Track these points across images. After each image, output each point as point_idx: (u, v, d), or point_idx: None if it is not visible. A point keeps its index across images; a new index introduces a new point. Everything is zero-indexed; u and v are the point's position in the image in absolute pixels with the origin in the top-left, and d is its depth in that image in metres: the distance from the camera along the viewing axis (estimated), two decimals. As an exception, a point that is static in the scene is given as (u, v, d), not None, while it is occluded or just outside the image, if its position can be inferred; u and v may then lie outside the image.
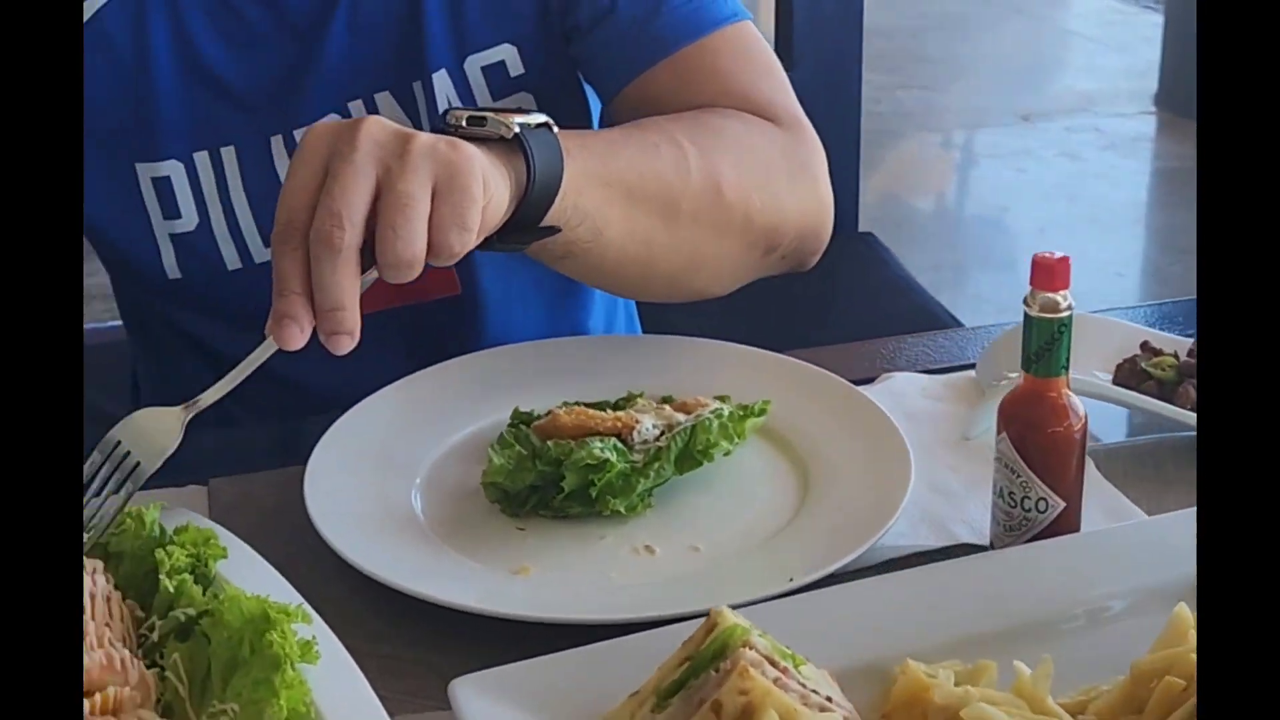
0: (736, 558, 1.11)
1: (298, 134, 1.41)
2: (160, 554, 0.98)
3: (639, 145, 1.24)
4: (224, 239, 1.43)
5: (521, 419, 1.27)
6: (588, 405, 1.28)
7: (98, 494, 1.03)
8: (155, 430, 1.04)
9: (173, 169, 1.41)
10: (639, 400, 1.28)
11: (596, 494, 1.13)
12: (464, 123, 1.07)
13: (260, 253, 1.44)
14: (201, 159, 1.39)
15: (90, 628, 0.92)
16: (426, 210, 0.98)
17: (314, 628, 0.93)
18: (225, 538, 1.03)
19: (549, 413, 1.22)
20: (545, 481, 1.15)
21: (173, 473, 1.28)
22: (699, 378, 1.32)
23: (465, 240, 1.00)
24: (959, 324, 2.09)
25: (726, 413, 1.20)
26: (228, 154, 1.39)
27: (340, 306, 0.95)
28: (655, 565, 1.11)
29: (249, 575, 1.01)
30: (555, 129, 1.12)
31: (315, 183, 0.99)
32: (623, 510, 1.14)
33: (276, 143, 1.42)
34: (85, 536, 1.02)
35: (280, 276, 0.98)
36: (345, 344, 0.99)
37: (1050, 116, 5.77)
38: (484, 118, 1.07)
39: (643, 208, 1.20)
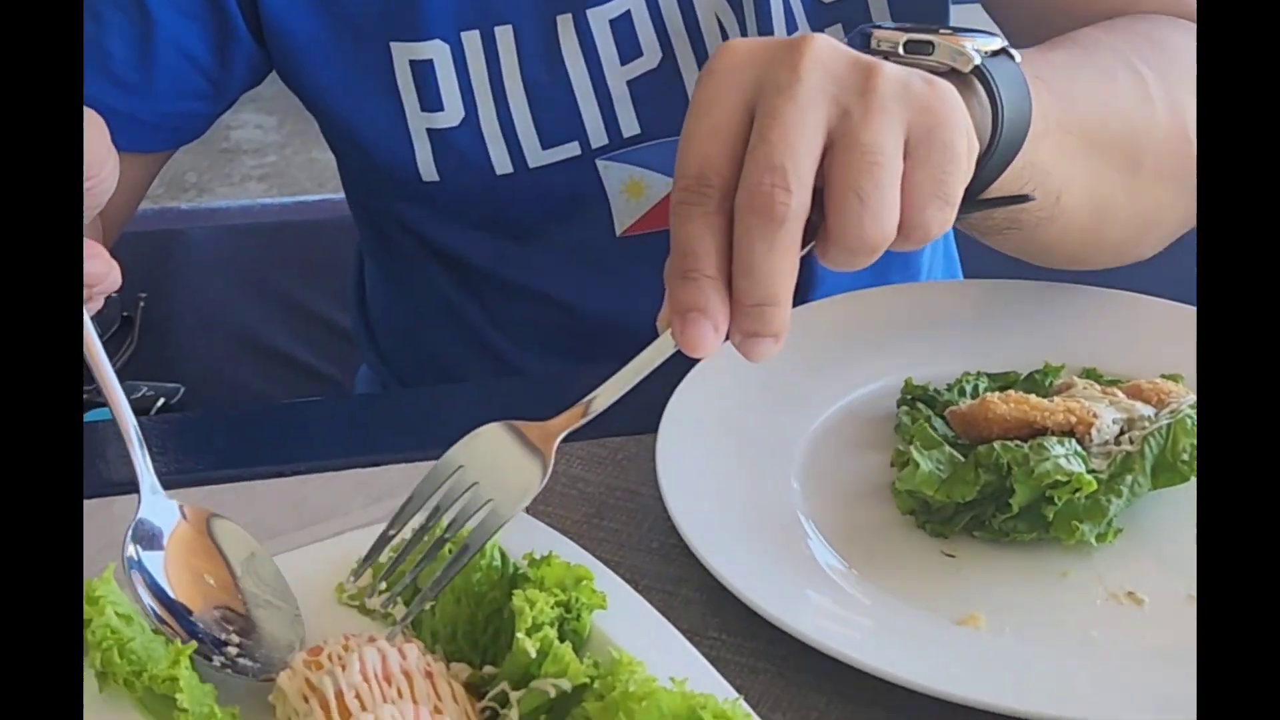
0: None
1: (591, 15, 1.14)
2: (519, 601, 0.71)
3: (1094, 73, 0.94)
4: (493, 137, 1.17)
5: (918, 395, 0.98)
6: (990, 378, 1.00)
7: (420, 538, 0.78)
8: (512, 462, 0.76)
9: (435, 51, 1.15)
10: (1063, 374, 0.99)
11: (1055, 515, 0.85)
12: (900, 48, 0.78)
13: (536, 155, 1.18)
14: (471, 40, 1.16)
15: (413, 716, 0.67)
16: (899, 172, 0.69)
17: (753, 730, 0.66)
18: (603, 577, 0.76)
19: (976, 397, 0.94)
20: (984, 495, 0.87)
21: (426, 430, 1.04)
22: (1124, 346, 1.03)
23: (945, 218, 0.71)
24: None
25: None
26: (503, 35, 1.17)
27: (774, 300, 0.68)
28: (1146, 621, 0.83)
29: (632, 629, 0.74)
30: (1017, 57, 0.81)
31: (738, 122, 0.70)
32: (1093, 540, 0.85)
33: (564, 24, 1.15)
34: (395, 610, 0.78)
35: (686, 250, 0.69)
36: (769, 350, 0.70)
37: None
38: (929, 41, 0.77)
39: (1104, 161, 0.93)
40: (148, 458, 0.80)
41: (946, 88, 0.71)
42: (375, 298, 1.47)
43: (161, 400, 1.78)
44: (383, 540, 0.78)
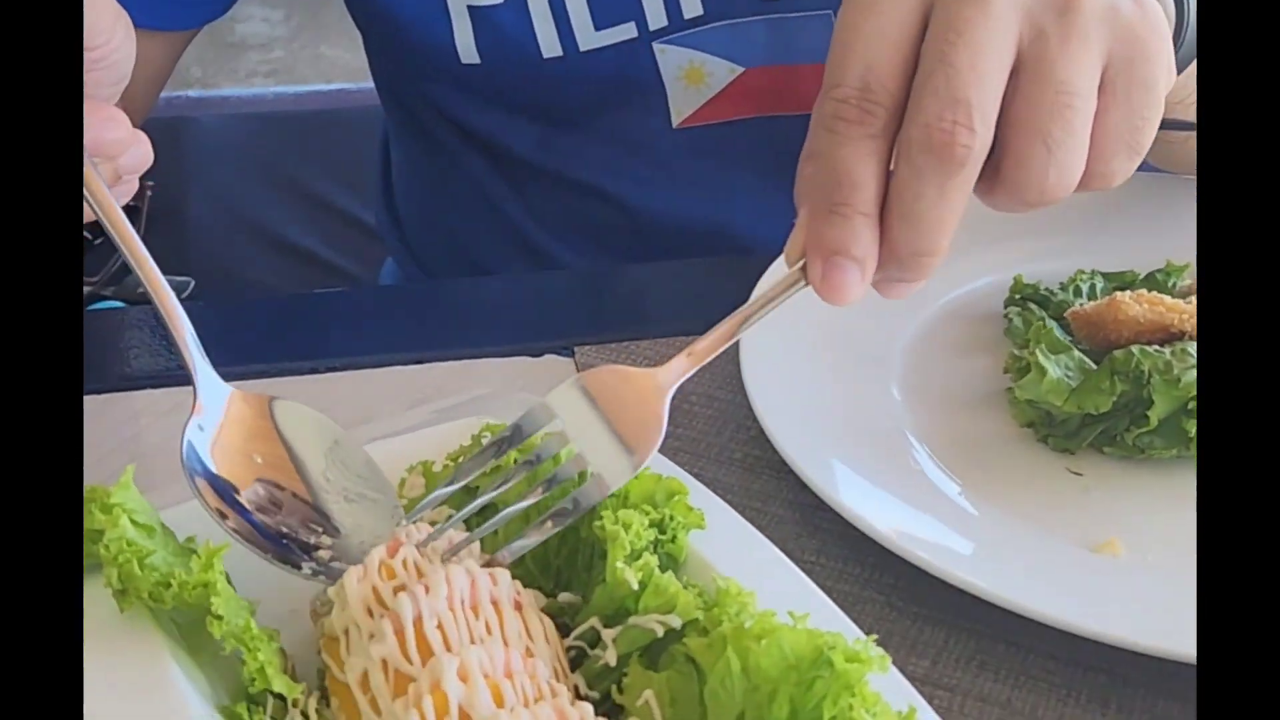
0: None
1: None
2: (612, 524, 0.61)
3: None
4: (541, 16, 1.07)
5: (1029, 295, 0.88)
6: (1105, 277, 0.90)
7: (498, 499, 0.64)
8: (619, 419, 0.62)
9: (479, -83, 1.04)
10: (1187, 275, 0.89)
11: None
12: None
13: (588, 36, 1.08)
14: None
15: (502, 661, 0.57)
16: (1092, 114, 0.58)
17: (890, 677, 0.56)
18: (695, 491, 0.65)
19: (1093, 298, 0.84)
20: (1118, 407, 0.76)
21: (516, 330, 0.93)
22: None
23: (1130, 169, 0.60)
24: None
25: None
26: None
27: (934, 251, 0.59)
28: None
29: (733, 553, 0.64)
30: None
31: (913, 25, 0.58)
32: (1242, 459, 0.75)
33: None
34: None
35: (841, 179, 0.57)
36: (905, 295, 0.62)
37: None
38: None
39: None
40: (195, 338, 0.66)
41: (1156, 11, 0.59)
42: (403, 188, 1.36)
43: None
44: (454, 483, 0.64)
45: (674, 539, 0.63)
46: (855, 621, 0.69)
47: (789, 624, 0.56)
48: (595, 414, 0.62)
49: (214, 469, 0.63)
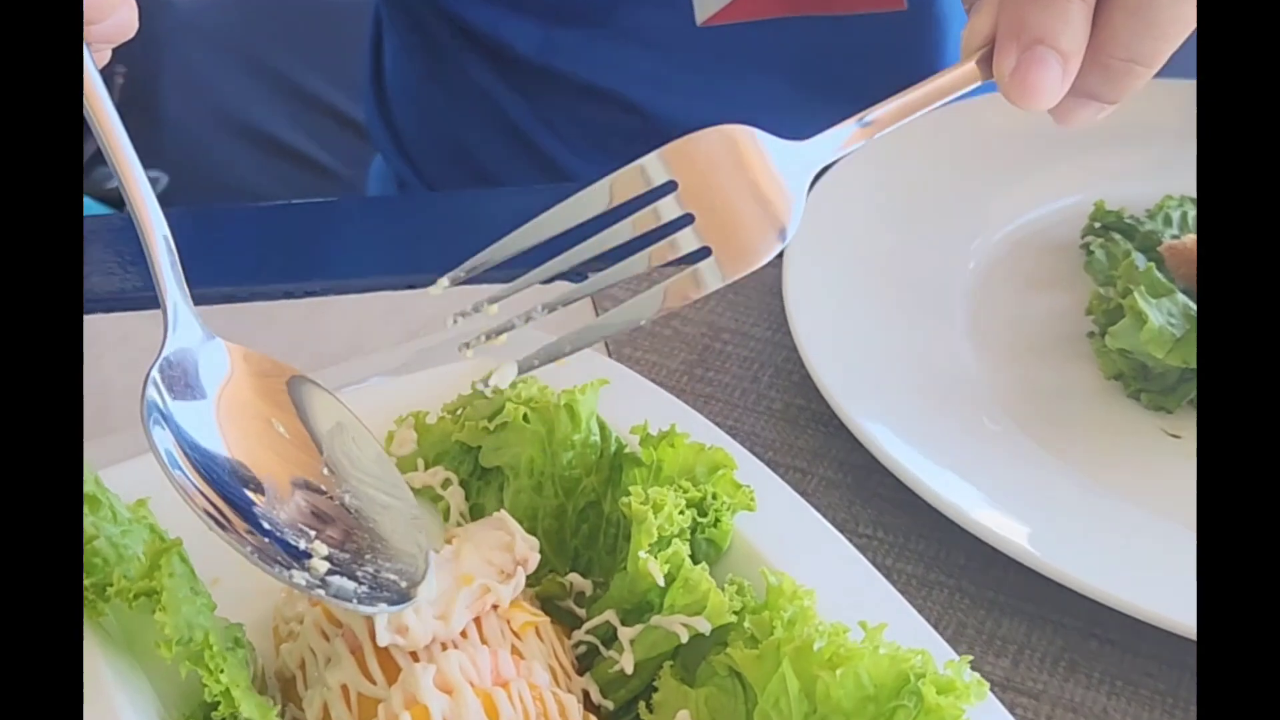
0: None
1: None
2: (639, 504, 0.50)
3: None
4: None
5: (1111, 223, 0.77)
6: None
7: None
8: (746, 194, 0.51)
9: None
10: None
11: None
12: None
13: None
14: None
15: (489, 666, 0.47)
16: None
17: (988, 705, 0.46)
18: (743, 462, 0.55)
19: (1185, 228, 0.73)
20: (1227, 359, 0.65)
21: (470, 241, 0.82)
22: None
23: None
24: None
25: None
26: None
27: (1153, 61, 0.50)
28: None
29: (787, 538, 0.53)
30: None
31: None
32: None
33: None
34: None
35: None
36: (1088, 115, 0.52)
37: None
38: None
39: None
40: (178, 265, 0.51)
41: None
42: (398, 89, 1.23)
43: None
44: (522, 239, 0.54)
45: (717, 522, 0.52)
46: (922, 609, 0.59)
47: (862, 642, 0.45)
48: (725, 180, 0.51)
49: (184, 427, 0.49)
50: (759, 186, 0.51)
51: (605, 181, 0.52)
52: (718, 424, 0.67)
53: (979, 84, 0.51)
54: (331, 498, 0.50)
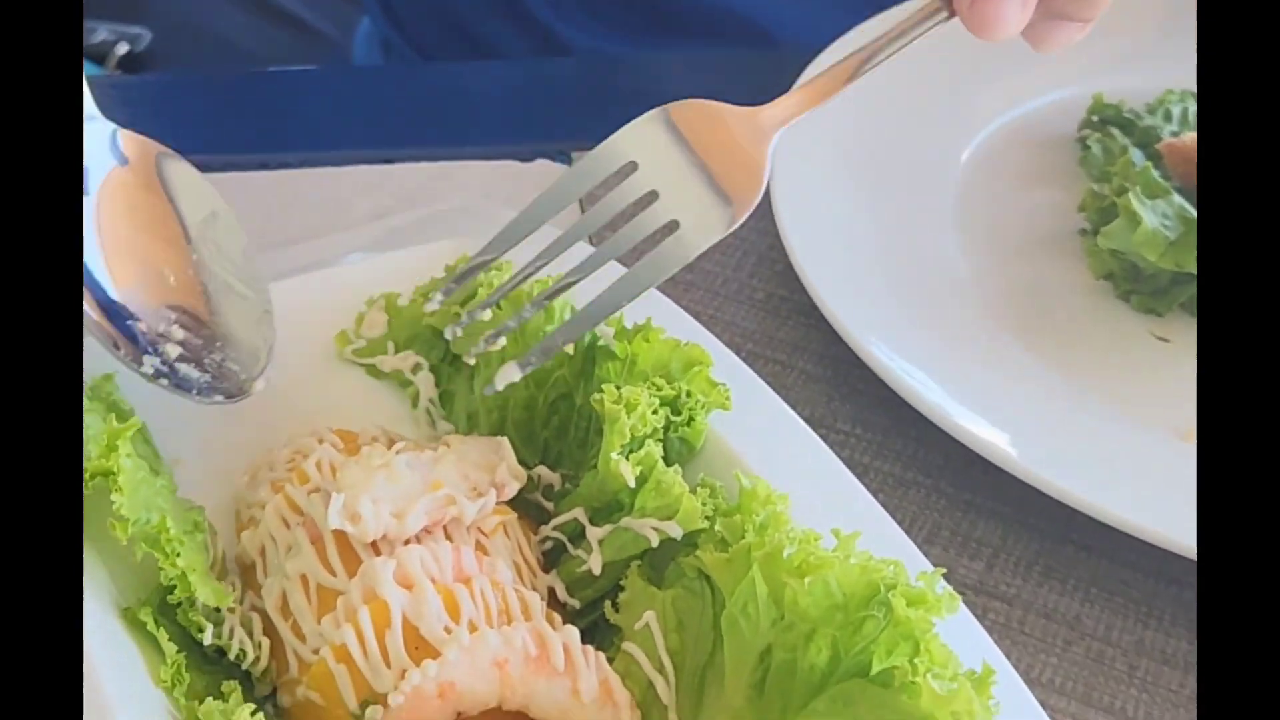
0: None
1: None
2: (612, 402, 0.49)
3: None
4: None
5: (1109, 117, 0.75)
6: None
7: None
8: (711, 164, 0.50)
9: None
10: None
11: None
12: None
13: None
14: None
15: (451, 562, 0.46)
16: None
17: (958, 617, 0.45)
18: (720, 358, 0.53)
19: (1186, 123, 0.71)
20: (1222, 263, 0.64)
21: (505, 127, 0.80)
22: None
23: None
24: None
25: None
26: None
27: None
28: None
29: (762, 438, 0.52)
30: None
31: None
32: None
33: None
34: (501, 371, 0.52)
35: None
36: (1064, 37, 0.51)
37: None
38: None
39: None
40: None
41: None
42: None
43: (124, 48, 1.52)
44: (501, 243, 0.52)
45: (690, 421, 0.51)
46: (894, 512, 0.58)
47: (834, 550, 0.44)
48: (682, 155, 0.50)
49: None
50: (719, 156, 0.49)
51: (568, 175, 0.50)
52: (698, 312, 0.66)
53: (942, 20, 0.48)
54: (193, 284, 0.50)
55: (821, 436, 0.61)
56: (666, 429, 0.50)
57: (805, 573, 0.43)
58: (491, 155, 0.76)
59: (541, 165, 0.76)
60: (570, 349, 0.53)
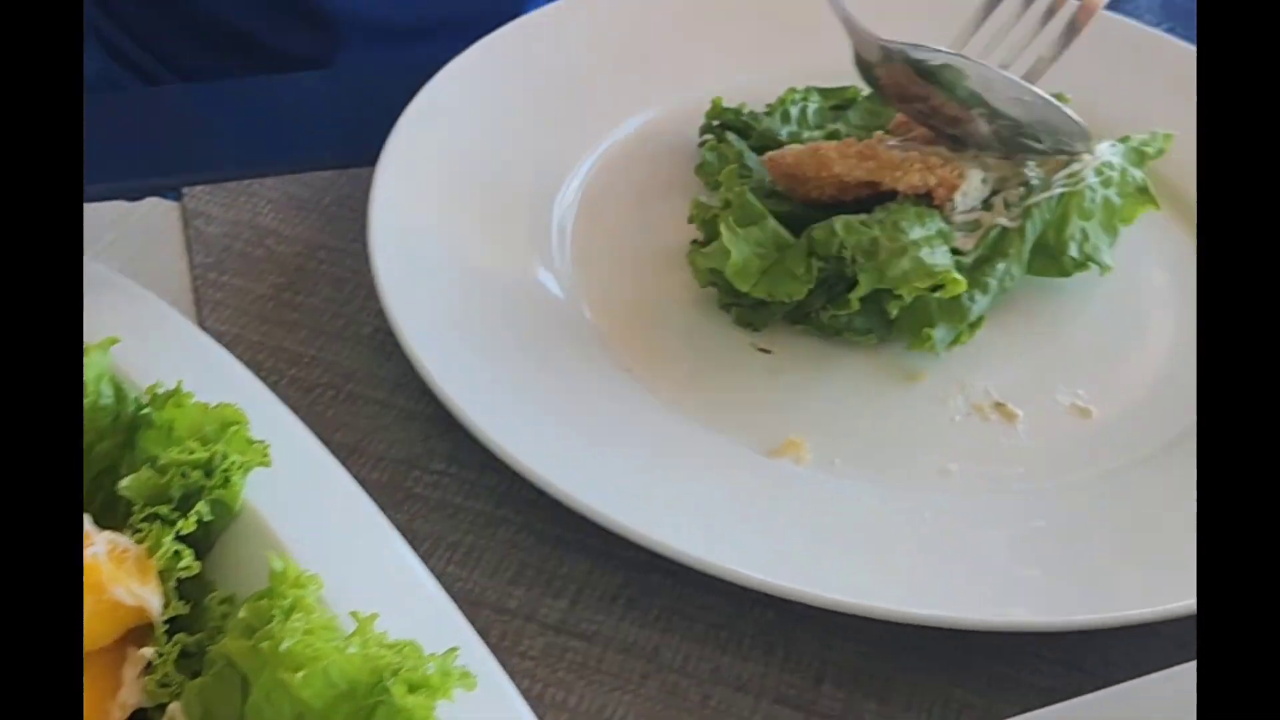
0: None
1: None
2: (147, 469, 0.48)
3: None
4: None
5: (728, 121, 0.75)
6: (823, 95, 0.77)
7: None
8: None
9: None
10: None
11: (901, 314, 0.64)
12: None
13: None
14: None
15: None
16: None
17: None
18: (263, 406, 0.52)
19: (803, 122, 0.72)
20: (816, 285, 0.65)
21: (113, 166, 0.76)
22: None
23: None
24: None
25: (1117, 167, 0.69)
26: None
27: None
28: (1029, 443, 0.63)
29: (313, 500, 0.51)
30: None
31: None
32: (941, 350, 0.65)
33: None
34: None
35: None
36: None
37: None
38: None
39: None
40: None
41: None
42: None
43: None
44: None
45: (226, 482, 0.49)
46: (485, 549, 0.59)
47: (351, 634, 0.44)
48: None
49: None
50: None
51: None
52: (301, 352, 0.65)
53: None
54: None
55: (415, 479, 0.61)
56: (200, 492, 0.49)
57: (301, 665, 0.42)
58: (93, 197, 0.73)
59: (153, 205, 0.73)
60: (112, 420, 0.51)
